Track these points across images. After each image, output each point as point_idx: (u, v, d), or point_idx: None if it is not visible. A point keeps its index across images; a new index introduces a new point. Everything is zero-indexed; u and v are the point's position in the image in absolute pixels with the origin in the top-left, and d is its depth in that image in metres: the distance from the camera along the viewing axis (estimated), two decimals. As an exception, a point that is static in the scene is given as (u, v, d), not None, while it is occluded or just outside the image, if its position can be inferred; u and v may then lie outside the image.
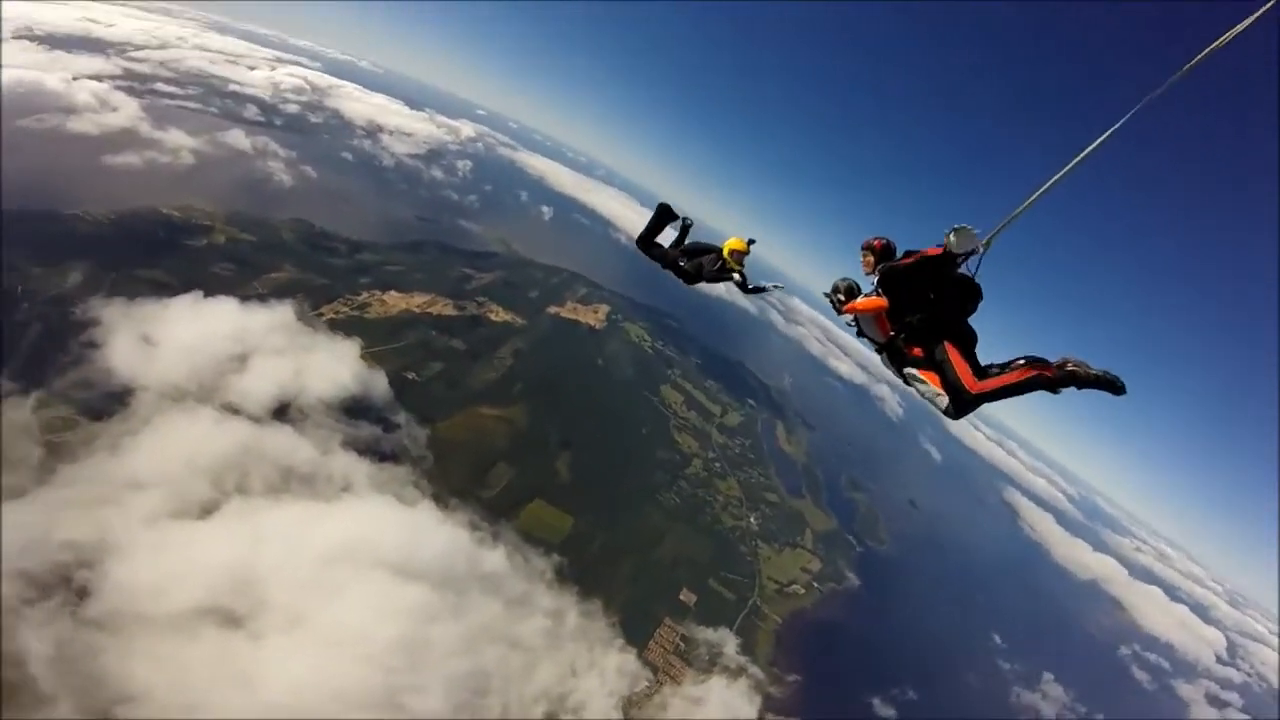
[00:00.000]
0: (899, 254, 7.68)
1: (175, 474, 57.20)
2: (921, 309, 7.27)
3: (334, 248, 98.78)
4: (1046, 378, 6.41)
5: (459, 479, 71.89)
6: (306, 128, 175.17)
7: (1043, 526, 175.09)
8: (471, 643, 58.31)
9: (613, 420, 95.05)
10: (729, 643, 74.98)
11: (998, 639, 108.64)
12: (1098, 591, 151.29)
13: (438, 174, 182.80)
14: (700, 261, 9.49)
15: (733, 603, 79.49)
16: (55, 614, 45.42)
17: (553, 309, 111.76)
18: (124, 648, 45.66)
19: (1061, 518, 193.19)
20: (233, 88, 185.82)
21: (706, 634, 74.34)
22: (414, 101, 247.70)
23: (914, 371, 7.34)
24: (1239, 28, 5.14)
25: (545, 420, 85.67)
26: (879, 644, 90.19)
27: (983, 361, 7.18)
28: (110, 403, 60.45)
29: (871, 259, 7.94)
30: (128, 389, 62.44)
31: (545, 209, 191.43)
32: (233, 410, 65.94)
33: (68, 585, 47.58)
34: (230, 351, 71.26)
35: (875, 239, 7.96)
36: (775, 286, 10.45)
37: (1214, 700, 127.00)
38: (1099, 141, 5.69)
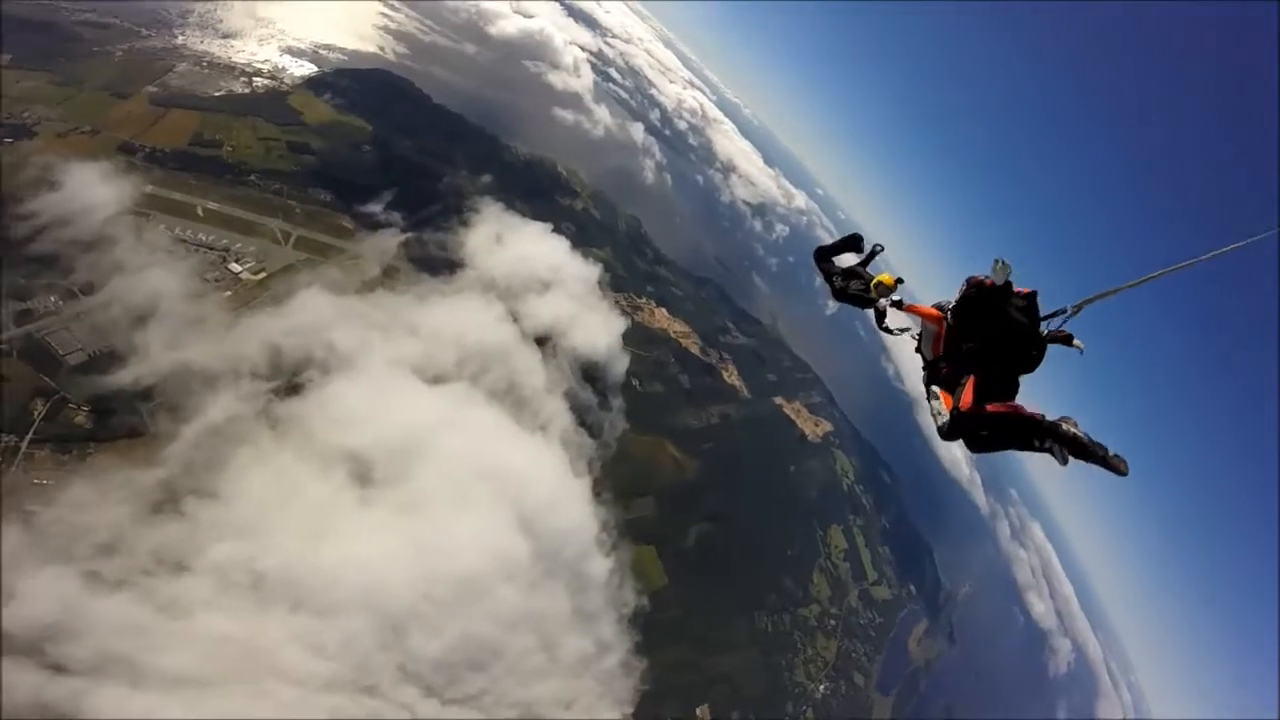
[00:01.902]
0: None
1: (441, 339, 67.14)
2: (976, 340, 7.28)
3: (644, 251, 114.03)
4: (1039, 425, 6.21)
5: (610, 486, 75.19)
6: (683, 146, 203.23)
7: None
8: (516, 621, 57.92)
9: (767, 525, 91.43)
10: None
11: None
12: None
13: (757, 226, 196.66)
14: (849, 284, 9.59)
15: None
16: (253, 396, 51.25)
17: (779, 399, 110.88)
18: (265, 454, 49.10)
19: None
20: (652, 91, 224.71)
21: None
22: (769, 158, 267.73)
23: (936, 389, 7.51)
24: None
25: (710, 486, 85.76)
26: None
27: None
28: (444, 267, 76.94)
29: (965, 289, 7.71)
30: (462, 263, 78.53)
31: (832, 304, 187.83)
32: (514, 318, 78.21)
33: (291, 378, 54.12)
34: (542, 277, 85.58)
35: (980, 275, 7.54)
36: (893, 333, 9.62)
37: None
38: (1224, 250, 5.67)
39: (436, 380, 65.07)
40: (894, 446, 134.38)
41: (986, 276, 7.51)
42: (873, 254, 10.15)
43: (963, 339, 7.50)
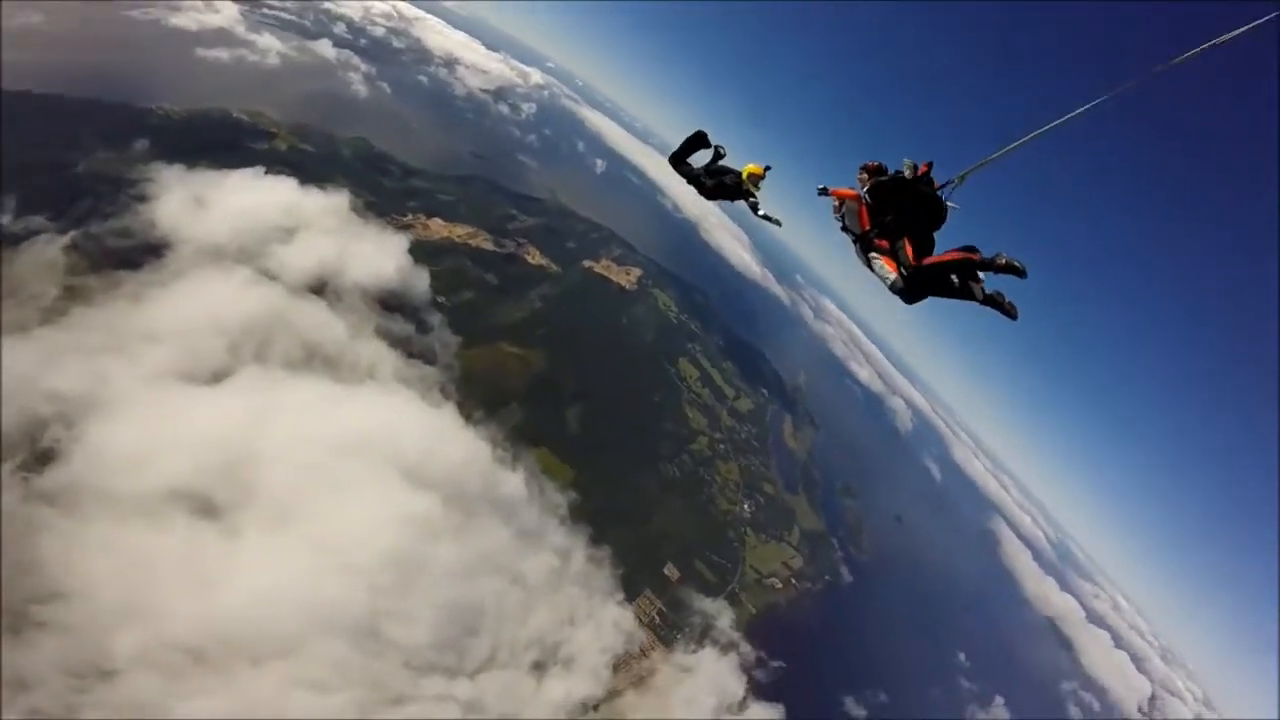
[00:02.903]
0: (889, 173, 9.44)
1: (194, 332, 54.81)
2: (895, 212, 8.99)
3: (388, 169, 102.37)
4: (973, 261, 7.95)
5: (476, 404, 71.75)
6: (388, 52, 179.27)
7: (1019, 560, 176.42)
8: (472, 570, 54.52)
9: (627, 382, 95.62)
10: (724, 615, 74.33)
11: (962, 657, 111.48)
12: (1054, 629, 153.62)
13: (504, 109, 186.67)
14: (722, 181, 10.45)
15: (714, 585, 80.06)
16: (4, 481, 40.55)
17: (587, 263, 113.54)
18: (74, 531, 40.63)
19: (1038, 555, 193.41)
20: (326, 5, 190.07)
21: (704, 603, 73.18)
22: (491, 44, 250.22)
23: (876, 256, 9.14)
24: (1242, 30, 5.73)
25: (562, 369, 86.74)
26: (851, 647, 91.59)
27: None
28: (145, 254, 60.15)
29: (866, 176, 9.57)
30: (166, 243, 62.04)
31: (599, 162, 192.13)
32: (269, 276, 65.27)
33: (32, 445, 42.81)
34: (279, 224, 71.77)
35: (871, 162, 9.61)
36: (776, 222, 11.30)
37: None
38: (1078, 112, 6.70)
39: (217, 377, 54.61)
40: (694, 269, 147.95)
41: (875, 161, 9.38)
42: (719, 155, 10.65)
43: (883, 213, 9.03)
